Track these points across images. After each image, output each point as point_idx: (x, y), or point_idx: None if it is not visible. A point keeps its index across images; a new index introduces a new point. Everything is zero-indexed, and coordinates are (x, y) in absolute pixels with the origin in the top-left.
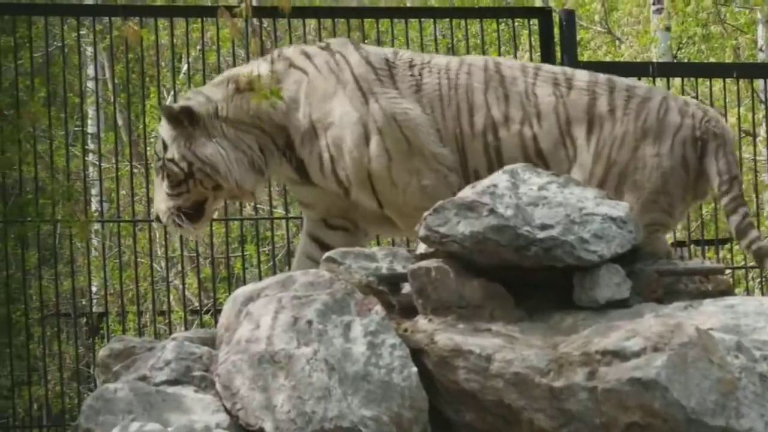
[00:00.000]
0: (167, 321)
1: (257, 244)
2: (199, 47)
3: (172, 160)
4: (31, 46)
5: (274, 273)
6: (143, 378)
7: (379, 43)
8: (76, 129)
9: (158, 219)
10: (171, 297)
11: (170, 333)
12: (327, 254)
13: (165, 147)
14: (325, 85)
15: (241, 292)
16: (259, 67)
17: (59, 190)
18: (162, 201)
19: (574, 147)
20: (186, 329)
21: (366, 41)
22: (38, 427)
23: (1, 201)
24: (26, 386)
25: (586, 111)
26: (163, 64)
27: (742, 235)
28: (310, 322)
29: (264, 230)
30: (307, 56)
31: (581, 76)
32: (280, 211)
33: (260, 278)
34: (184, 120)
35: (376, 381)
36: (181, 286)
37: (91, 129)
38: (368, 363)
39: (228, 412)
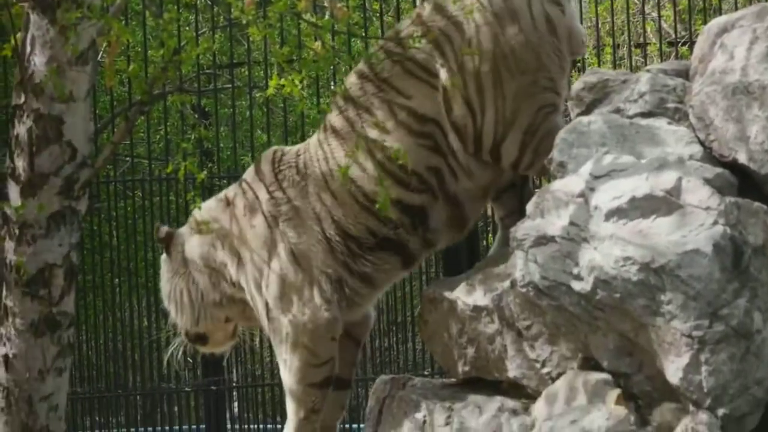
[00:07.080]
0: (643, 53)
1: None
2: None
3: None
4: None
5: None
6: (617, 110)
7: None
8: None
9: None
10: (648, 29)
11: (646, 65)
12: None
13: None
14: None
15: (715, 23)
16: None
17: None
18: None
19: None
20: (662, 61)
21: None
22: None
23: None
24: None
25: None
26: None
27: None
28: None
29: None
30: None
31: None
32: None
33: None
34: None
35: None
36: (657, 18)
37: None
38: None
39: (701, 143)
